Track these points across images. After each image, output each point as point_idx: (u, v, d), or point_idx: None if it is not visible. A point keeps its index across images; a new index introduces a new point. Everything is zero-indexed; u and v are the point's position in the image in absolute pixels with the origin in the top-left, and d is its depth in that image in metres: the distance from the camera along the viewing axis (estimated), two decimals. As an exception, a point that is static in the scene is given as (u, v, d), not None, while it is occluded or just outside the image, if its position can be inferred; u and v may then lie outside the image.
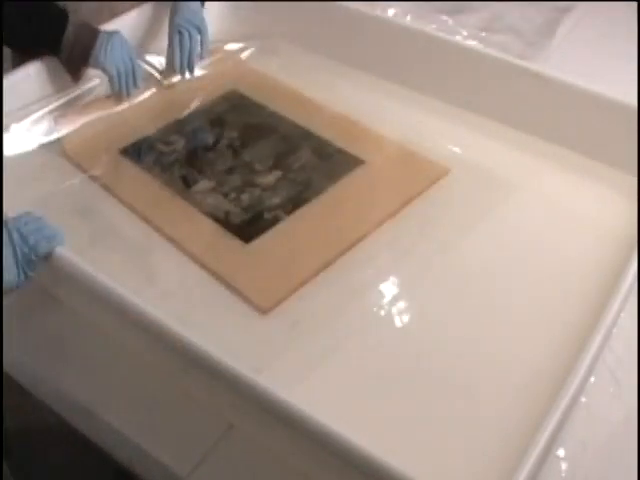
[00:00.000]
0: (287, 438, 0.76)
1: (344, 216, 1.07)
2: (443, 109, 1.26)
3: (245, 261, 1.00)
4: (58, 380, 0.89)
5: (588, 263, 1.00)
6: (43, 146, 1.15)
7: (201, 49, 1.27)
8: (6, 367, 0.89)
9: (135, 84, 1.19)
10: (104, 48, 1.12)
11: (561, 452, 0.79)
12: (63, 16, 1.12)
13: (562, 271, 0.99)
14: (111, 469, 0.92)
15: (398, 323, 0.93)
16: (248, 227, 1.04)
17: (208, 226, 1.04)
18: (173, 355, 0.80)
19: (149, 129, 1.21)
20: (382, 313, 0.94)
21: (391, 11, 1.56)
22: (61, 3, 1.14)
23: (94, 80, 1.20)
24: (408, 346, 0.90)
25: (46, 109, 1.16)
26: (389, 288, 0.97)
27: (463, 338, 0.91)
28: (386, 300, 0.95)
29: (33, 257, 0.82)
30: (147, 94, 1.25)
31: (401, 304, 0.95)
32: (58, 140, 1.16)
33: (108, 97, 1.21)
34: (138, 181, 1.12)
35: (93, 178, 1.11)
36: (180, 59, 1.25)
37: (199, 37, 1.25)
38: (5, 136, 1.11)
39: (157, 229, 1.04)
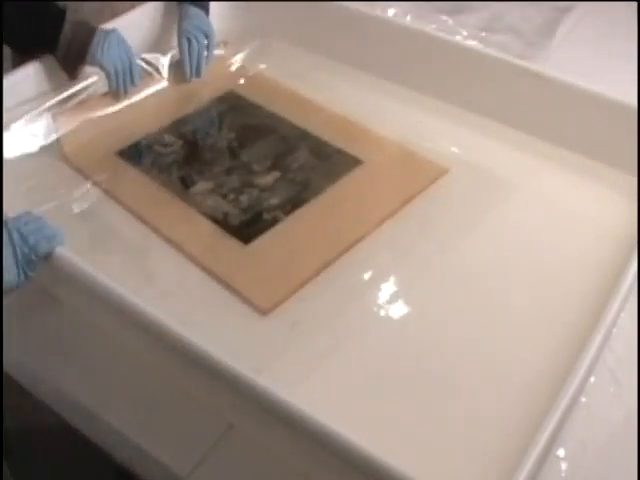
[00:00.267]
0: (287, 438, 0.76)
1: (343, 216, 1.07)
2: (443, 109, 1.26)
3: (245, 262, 1.00)
4: (58, 380, 0.89)
5: (588, 263, 1.00)
6: (41, 147, 1.15)
7: (207, 53, 1.28)
8: (6, 367, 0.89)
9: (133, 82, 1.19)
10: (101, 45, 1.13)
11: (561, 452, 0.79)
12: (60, 14, 1.12)
13: (562, 271, 0.99)
14: (111, 469, 0.92)
15: (398, 323, 0.93)
16: (247, 228, 1.04)
17: (207, 227, 1.04)
18: (173, 355, 0.79)
19: (146, 130, 1.21)
20: (382, 313, 0.94)
21: (391, 11, 1.56)
22: (62, 3, 1.14)
23: (93, 77, 1.19)
24: (408, 346, 0.90)
25: (44, 108, 1.16)
26: (389, 288, 0.97)
27: (463, 338, 0.91)
28: (386, 300, 0.95)
29: (33, 257, 0.82)
30: (145, 95, 1.25)
31: (401, 304, 0.95)
32: (56, 141, 1.15)
33: (105, 95, 1.21)
34: (137, 183, 1.12)
35: (91, 180, 1.11)
36: (190, 65, 1.26)
37: (206, 42, 1.27)
38: (4, 136, 1.11)
39: (156, 231, 1.04)
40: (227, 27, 1.39)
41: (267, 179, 1.12)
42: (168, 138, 1.20)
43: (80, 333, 0.92)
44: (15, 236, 0.81)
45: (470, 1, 1.65)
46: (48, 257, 0.84)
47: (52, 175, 1.12)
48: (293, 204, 1.08)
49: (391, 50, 1.32)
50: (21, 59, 1.19)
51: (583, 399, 0.83)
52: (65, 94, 1.17)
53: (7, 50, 1.20)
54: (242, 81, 1.34)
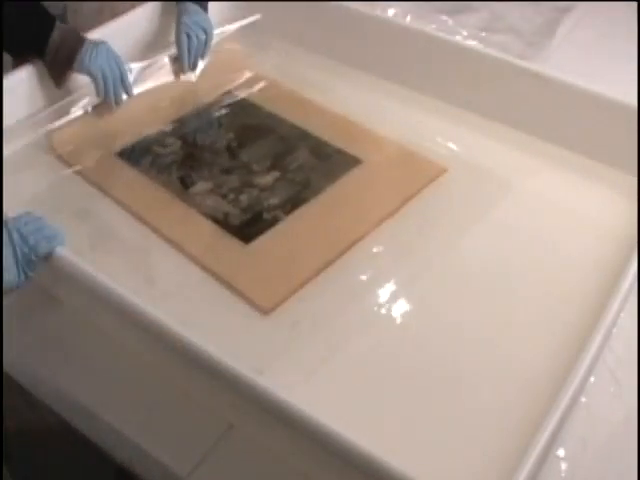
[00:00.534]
0: (287, 438, 0.76)
1: (343, 216, 1.07)
2: (443, 109, 1.26)
3: (245, 261, 1.00)
4: (58, 380, 0.89)
5: (588, 263, 1.00)
6: (41, 147, 1.15)
7: (204, 49, 1.28)
8: (6, 367, 0.89)
9: (127, 92, 1.18)
10: (89, 53, 1.12)
11: (561, 452, 0.79)
12: (50, 18, 1.12)
13: (562, 271, 0.99)
14: (111, 469, 0.92)
15: (397, 322, 0.93)
16: (247, 228, 1.04)
17: (207, 227, 1.04)
18: (173, 355, 0.79)
19: (145, 131, 1.20)
20: (382, 312, 0.94)
21: (391, 11, 1.56)
22: (61, 3, 1.14)
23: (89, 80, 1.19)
24: (408, 346, 0.90)
25: (44, 108, 1.16)
26: (389, 287, 0.97)
27: (463, 338, 0.91)
28: (386, 299, 0.95)
29: (33, 257, 0.82)
30: (142, 96, 1.25)
31: (400, 303, 0.95)
32: (56, 142, 1.16)
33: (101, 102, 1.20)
34: (136, 183, 1.12)
35: (91, 182, 1.11)
36: (188, 60, 1.27)
37: (204, 37, 1.27)
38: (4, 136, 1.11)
39: (156, 231, 1.03)
40: (227, 27, 1.39)
41: (267, 179, 1.12)
42: (167, 138, 1.20)
43: (80, 333, 0.93)
44: (15, 236, 0.81)
45: (470, 1, 1.65)
46: (48, 257, 0.84)
47: (52, 175, 1.12)
48: (293, 204, 1.08)
49: (391, 50, 1.32)
50: (22, 60, 1.18)
51: (583, 399, 0.83)
52: (67, 99, 1.17)
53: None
54: (241, 81, 1.33)
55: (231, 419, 0.83)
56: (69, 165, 1.14)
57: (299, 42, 1.40)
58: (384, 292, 0.96)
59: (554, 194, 1.12)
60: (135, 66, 1.23)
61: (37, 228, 0.84)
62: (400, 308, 0.94)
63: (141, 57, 1.27)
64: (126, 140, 1.19)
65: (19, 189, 1.05)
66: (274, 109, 1.26)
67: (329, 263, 0.98)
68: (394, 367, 0.88)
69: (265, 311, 0.93)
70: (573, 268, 1.00)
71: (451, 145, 1.20)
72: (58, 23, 1.11)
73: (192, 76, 1.30)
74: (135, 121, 1.21)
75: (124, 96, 1.18)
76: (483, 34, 1.54)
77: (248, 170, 1.14)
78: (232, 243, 1.02)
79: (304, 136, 1.21)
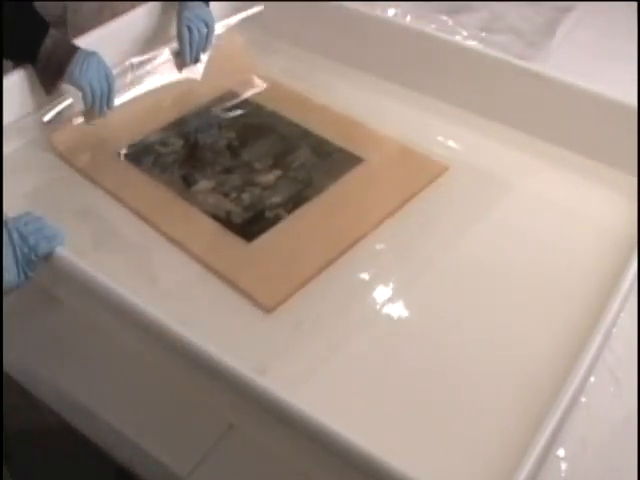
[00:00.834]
0: (287, 438, 0.76)
1: (345, 214, 1.07)
2: (443, 109, 1.26)
3: (247, 260, 1.00)
4: (58, 380, 0.89)
5: (588, 263, 1.00)
6: (41, 147, 1.15)
7: (205, 42, 1.29)
8: (6, 367, 0.89)
9: (108, 105, 1.16)
10: (79, 66, 1.11)
11: (561, 452, 0.79)
12: (44, 25, 1.11)
13: (562, 271, 0.99)
14: (111, 469, 0.92)
15: (399, 322, 0.93)
16: (250, 226, 1.04)
17: (210, 226, 1.04)
18: (173, 355, 0.79)
19: (147, 130, 1.20)
20: (383, 312, 0.94)
21: (391, 11, 1.56)
22: (61, 3, 1.14)
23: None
24: (409, 346, 0.90)
25: (45, 109, 1.16)
26: (390, 286, 0.97)
27: (463, 337, 0.91)
28: (387, 299, 0.95)
29: (33, 257, 0.82)
30: (144, 95, 1.25)
31: (402, 303, 0.95)
32: (57, 141, 1.16)
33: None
34: (138, 182, 1.12)
35: (92, 180, 1.11)
36: (189, 54, 1.28)
37: (206, 31, 1.27)
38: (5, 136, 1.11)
39: (158, 229, 1.04)
40: (227, 27, 1.39)
41: (269, 177, 1.12)
42: (169, 138, 1.20)
43: (80, 333, 0.92)
44: (15, 236, 0.81)
45: (470, 1, 1.65)
46: (48, 257, 0.84)
47: (53, 175, 1.12)
48: (295, 202, 1.08)
49: (391, 50, 1.32)
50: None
51: (583, 399, 0.83)
52: (67, 102, 1.17)
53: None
54: (243, 81, 1.33)
55: (231, 419, 0.83)
56: (70, 164, 1.14)
57: (299, 42, 1.40)
58: (385, 291, 0.96)
59: (554, 194, 1.12)
60: (137, 60, 1.23)
61: (37, 228, 0.84)
62: (401, 307, 0.94)
63: (142, 53, 1.27)
64: (128, 139, 1.19)
65: (19, 188, 1.06)
66: (275, 108, 1.26)
67: (331, 261, 0.99)
68: (394, 367, 0.88)
69: (267, 309, 0.93)
70: (573, 268, 1.00)
71: (452, 145, 1.20)
72: (52, 31, 1.11)
73: (194, 70, 1.31)
74: (137, 120, 1.21)
75: (107, 111, 1.17)
76: (483, 34, 1.54)
77: (250, 169, 1.14)
78: (234, 241, 1.02)
79: (305, 135, 1.21)
